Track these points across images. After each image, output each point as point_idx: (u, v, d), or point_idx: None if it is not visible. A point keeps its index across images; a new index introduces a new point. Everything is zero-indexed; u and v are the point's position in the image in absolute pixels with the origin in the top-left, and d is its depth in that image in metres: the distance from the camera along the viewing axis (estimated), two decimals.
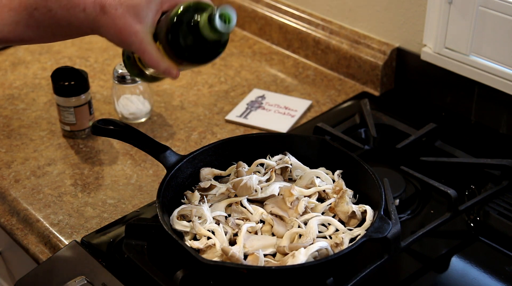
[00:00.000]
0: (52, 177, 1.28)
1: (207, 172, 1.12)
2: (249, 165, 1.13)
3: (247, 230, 1.01)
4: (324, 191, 1.08)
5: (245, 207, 1.05)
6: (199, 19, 0.94)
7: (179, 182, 1.10)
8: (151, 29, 0.98)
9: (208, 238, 0.99)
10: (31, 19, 0.98)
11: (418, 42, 1.44)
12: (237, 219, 1.04)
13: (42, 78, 1.58)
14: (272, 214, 1.05)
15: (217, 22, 0.92)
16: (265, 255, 0.98)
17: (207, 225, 1.01)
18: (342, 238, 0.99)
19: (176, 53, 0.97)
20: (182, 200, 1.08)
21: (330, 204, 1.06)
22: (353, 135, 1.32)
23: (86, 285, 1.05)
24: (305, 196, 1.07)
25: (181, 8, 0.96)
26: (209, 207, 1.05)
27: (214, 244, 0.98)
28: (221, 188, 1.09)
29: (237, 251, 0.97)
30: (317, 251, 0.96)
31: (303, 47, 1.62)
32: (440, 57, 1.38)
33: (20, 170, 1.30)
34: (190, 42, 0.96)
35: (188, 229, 1.01)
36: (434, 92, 1.45)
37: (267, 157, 1.14)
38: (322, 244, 0.97)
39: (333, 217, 1.04)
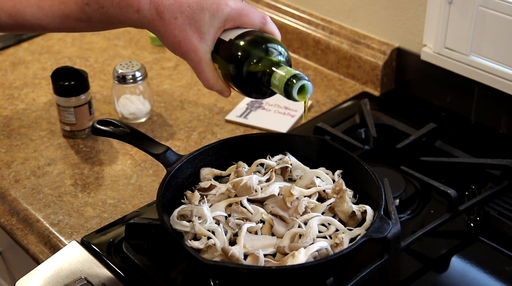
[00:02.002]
0: (52, 177, 1.28)
1: (207, 172, 1.12)
2: (249, 165, 1.13)
3: (247, 230, 1.01)
4: (324, 191, 1.08)
5: (245, 207, 1.05)
6: (273, 79, 0.93)
7: (179, 182, 1.10)
8: (210, 48, 0.95)
9: (208, 238, 0.99)
10: (82, 14, 0.96)
11: (418, 42, 1.44)
12: (237, 219, 1.04)
13: (42, 78, 1.57)
14: (272, 214, 1.05)
15: (295, 94, 0.92)
16: (265, 255, 0.98)
17: (207, 225, 1.01)
18: (342, 238, 0.99)
19: (235, 83, 0.97)
20: (182, 200, 1.08)
21: (330, 204, 1.06)
22: (353, 135, 1.32)
23: (86, 285, 1.05)
24: (305, 196, 1.07)
25: (251, 48, 0.94)
26: (209, 207, 1.05)
27: (214, 244, 0.98)
28: (221, 188, 1.09)
29: (237, 251, 0.97)
30: (317, 251, 0.96)
31: (303, 47, 1.62)
32: (440, 57, 1.38)
33: (20, 170, 1.30)
34: (252, 86, 0.96)
35: (188, 229, 1.01)
36: (434, 92, 1.45)
37: (267, 157, 1.14)
38: (322, 244, 0.97)
39: (333, 217, 1.04)
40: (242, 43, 0.95)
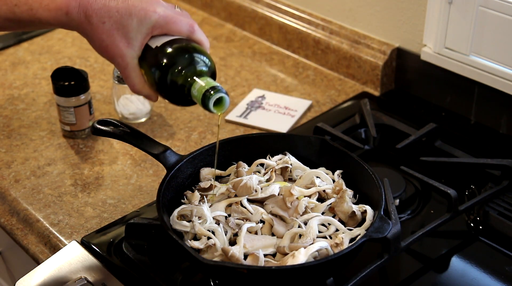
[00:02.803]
0: (52, 177, 1.28)
1: (207, 172, 1.12)
2: (249, 165, 1.13)
3: (247, 230, 1.01)
4: (324, 191, 1.08)
5: (245, 207, 1.05)
6: (192, 89, 0.94)
7: (179, 182, 1.10)
8: (137, 53, 0.97)
9: (208, 238, 0.99)
10: (12, 14, 0.96)
11: (418, 42, 1.44)
12: (237, 219, 1.04)
13: (42, 78, 1.58)
14: (272, 214, 1.05)
15: (211, 106, 0.93)
16: (265, 255, 0.98)
17: (207, 225, 1.01)
18: (342, 238, 0.99)
19: (159, 90, 0.98)
20: (182, 200, 1.08)
21: (330, 204, 1.06)
22: (353, 135, 1.32)
23: (86, 285, 1.05)
24: (305, 196, 1.07)
25: (175, 57, 0.95)
26: (209, 207, 1.05)
27: (214, 244, 0.98)
28: (221, 188, 1.09)
29: (237, 251, 0.97)
30: (317, 251, 0.96)
31: (303, 47, 1.62)
32: (440, 57, 1.38)
33: (20, 170, 1.30)
34: (175, 94, 0.97)
35: (188, 229, 1.01)
36: (434, 92, 1.45)
37: (267, 157, 1.14)
38: (322, 244, 0.97)
39: (333, 217, 1.04)
40: (166, 50, 0.96)
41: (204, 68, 0.96)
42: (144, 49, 0.97)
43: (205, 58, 0.97)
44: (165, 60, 0.95)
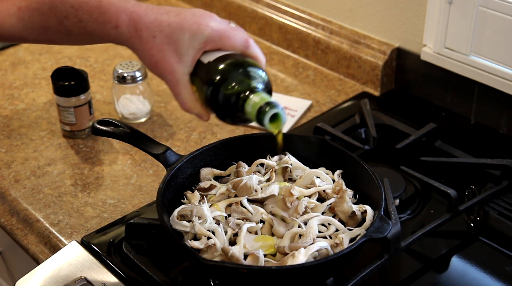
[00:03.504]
0: (52, 177, 1.28)
1: (207, 172, 1.12)
2: (249, 165, 1.13)
3: (247, 230, 1.01)
4: (324, 191, 1.08)
5: (245, 207, 1.05)
6: (246, 105, 0.90)
7: (179, 182, 1.10)
8: (189, 69, 0.92)
9: (208, 238, 0.99)
10: (61, 27, 0.94)
11: (418, 42, 1.44)
12: (237, 219, 1.04)
13: (42, 78, 1.58)
14: (272, 214, 1.05)
15: (266, 122, 0.89)
16: (265, 255, 0.98)
17: (207, 225, 1.01)
18: (342, 238, 0.99)
19: (211, 108, 0.93)
20: (182, 200, 1.08)
21: (330, 204, 1.06)
22: (353, 135, 1.32)
23: (86, 285, 1.05)
24: (305, 196, 1.07)
25: (228, 72, 0.91)
26: (209, 207, 1.05)
27: (214, 244, 0.98)
28: (221, 188, 1.09)
29: (237, 251, 0.97)
30: (317, 251, 0.96)
31: (303, 47, 1.62)
32: (440, 57, 1.38)
33: (20, 170, 1.30)
34: (228, 112, 0.93)
35: (188, 229, 1.01)
36: (434, 92, 1.45)
37: (267, 157, 1.14)
38: (322, 244, 0.97)
39: (333, 217, 1.04)
40: (219, 66, 0.91)
41: (259, 84, 0.92)
42: (196, 65, 0.93)
43: (260, 73, 0.93)
44: (217, 76, 0.91)
